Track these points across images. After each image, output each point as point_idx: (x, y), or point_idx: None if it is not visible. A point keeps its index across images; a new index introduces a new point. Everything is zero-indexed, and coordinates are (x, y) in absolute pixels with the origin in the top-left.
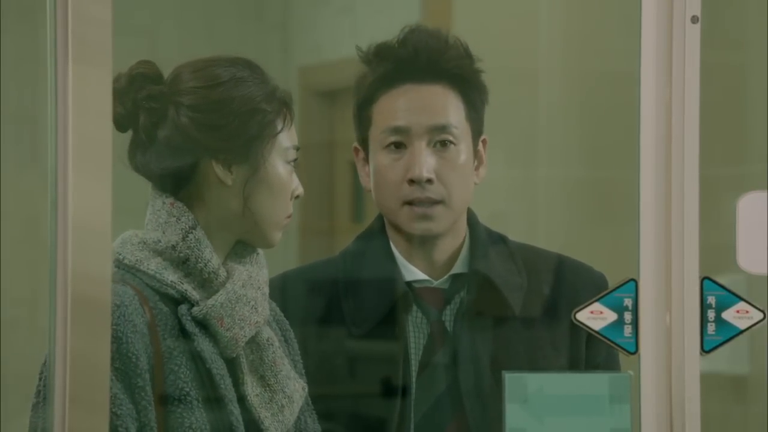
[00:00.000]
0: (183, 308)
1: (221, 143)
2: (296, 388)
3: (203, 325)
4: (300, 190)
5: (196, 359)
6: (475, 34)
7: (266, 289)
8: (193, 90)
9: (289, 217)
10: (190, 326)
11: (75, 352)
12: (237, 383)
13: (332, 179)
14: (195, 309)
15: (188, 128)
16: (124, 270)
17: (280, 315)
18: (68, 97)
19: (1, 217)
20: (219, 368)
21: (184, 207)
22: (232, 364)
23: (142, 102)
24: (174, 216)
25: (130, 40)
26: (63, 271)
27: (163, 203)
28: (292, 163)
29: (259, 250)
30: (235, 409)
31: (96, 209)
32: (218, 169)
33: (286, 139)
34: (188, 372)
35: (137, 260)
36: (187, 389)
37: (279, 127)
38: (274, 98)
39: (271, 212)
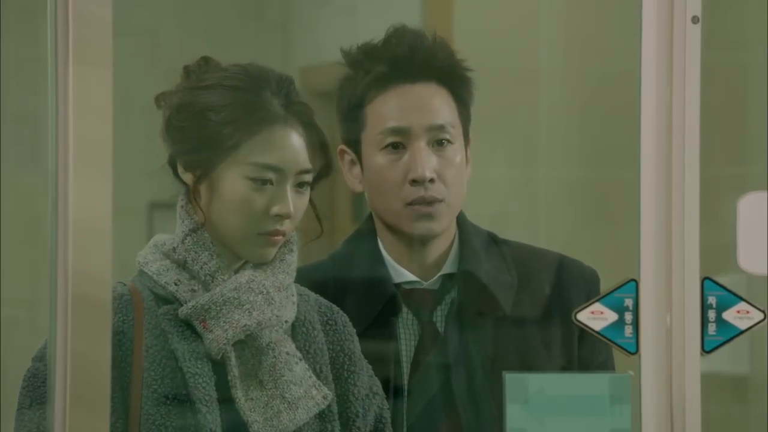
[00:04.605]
0: (164, 308)
1: (181, 146)
2: (306, 394)
3: (189, 325)
4: (281, 210)
5: (173, 358)
6: (476, 35)
7: (275, 295)
8: (180, 89)
9: (274, 235)
10: (167, 325)
11: (75, 352)
12: (228, 385)
13: (332, 179)
14: (180, 309)
15: (165, 129)
16: (139, 271)
17: (331, 318)
18: (68, 97)
19: (1, 217)
20: (191, 367)
21: (192, 209)
22: (221, 366)
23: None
24: (182, 218)
25: (131, 40)
26: (63, 271)
27: (179, 205)
28: (261, 182)
29: (287, 257)
30: (204, 408)
31: (96, 209)
32: (182, 172)
33: (251, 155)
34: (160, 369)
35: (145, 262)
36: (155, 386)
37: (235, 141)
38: (247, 111)
39: (233, 228)
